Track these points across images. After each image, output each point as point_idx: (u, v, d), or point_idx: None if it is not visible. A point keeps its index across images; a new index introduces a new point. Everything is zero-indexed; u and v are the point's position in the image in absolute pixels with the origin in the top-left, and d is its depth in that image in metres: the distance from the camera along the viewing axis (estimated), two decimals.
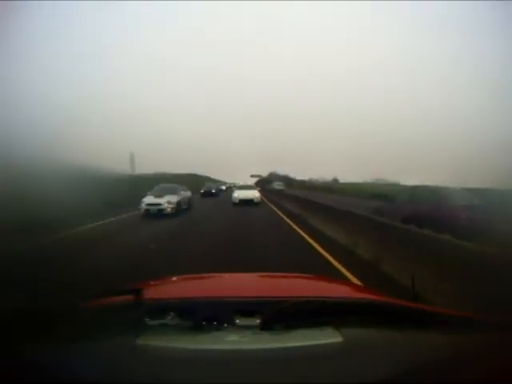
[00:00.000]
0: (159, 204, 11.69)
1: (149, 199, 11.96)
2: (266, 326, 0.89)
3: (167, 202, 11.82)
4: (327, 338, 0.85)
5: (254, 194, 18.76)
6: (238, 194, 18.41)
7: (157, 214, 11.45)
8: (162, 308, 1.03)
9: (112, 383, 0.63)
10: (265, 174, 57.28)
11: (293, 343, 0.82)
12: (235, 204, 17.38)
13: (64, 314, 0.91)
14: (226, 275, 1.76)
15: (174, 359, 0.75)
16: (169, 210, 11.70)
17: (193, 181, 39.37)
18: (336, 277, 4.03)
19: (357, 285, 3.46)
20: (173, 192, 12.74)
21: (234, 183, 46.16)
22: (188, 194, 14.79)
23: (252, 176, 53.89)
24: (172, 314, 0.97)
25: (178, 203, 12.41)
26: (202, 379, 0.66)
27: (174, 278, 1.70)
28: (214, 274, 1.78)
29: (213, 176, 64.71)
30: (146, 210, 11.67)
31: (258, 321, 0.90)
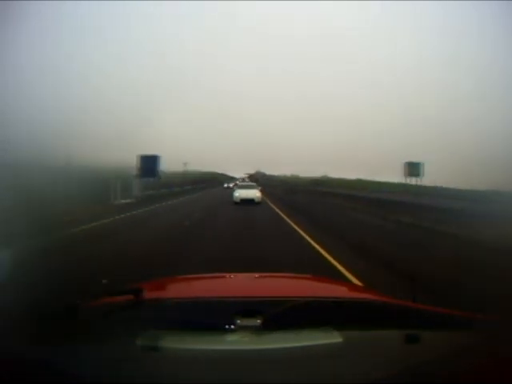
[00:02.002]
0: (229, 185, 47.96)
1: (225, 184, 54.63)
2: (266, 327, 0.89)
3: (231, 184, 47.29)
4: (327, 338, 0.85)
5: (255, 193, 18.24)
6: (240, 194, 18.02)
7: (228, 188, 41.77)
8: (162, 308, 1.03)
9: (112, 383, 0.63)
10: (252, 171, 79.26)
11: (293, 343, 0.82)
12: (236, 203, 17.19)
13: (64, 313, 0.91)
14: (227, 275, 1.76)
15: (174, 359, 0.75)
16: (231, 187, 37.64)
17: (214, 176, 64.64)
18: (336, 277, 4.04)
19: (357, 285, 3.46)
20: (231, 181, 59.74)
21: (242, 178, 64.74)
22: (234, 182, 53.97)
23: (245, 174, 75.74)
24: (172, 313, 0.97)
25: (234, 185, 38.61)
26: (203, 379, 0.66)
27: (174, 278, 1.70)
28: (214, 274, 1.78)
29: (223, 172, 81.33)
30: (226, 188, 45.70)
31: (258, 321, 0.90)
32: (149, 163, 23.80)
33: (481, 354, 0.74)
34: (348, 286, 2.13)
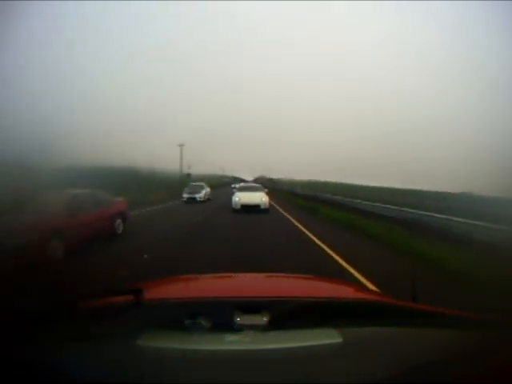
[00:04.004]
0: (235, 185, 22.99)
1: (232, 184, 29.80)
2: (267, 327, 0.89)
3: (237, 185, 24.85)
4: (327, 338, 0.85)
5: (261, 197, 13.61)
6: (240, 198, 13.46)
7: (234, 188, 26.97)
8: (161, 308, 1.03)
9: (112, 383, 0.63)
10: (257, 175, 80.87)
11: (293, 343, 0.82)
12: (235, 210, 12.99)
13: (64, 314, 0.91)
14: (227, 275, 1.76)
15: (174, 359, 0.75)
16: (237, 187, 22.10)
17: (223, 178, 68.83)
18: (337, 277, 4.04)
19: (357, 285, 3.46)
20: (235, 182, 36.54)
21: (252, 179, 65.68)
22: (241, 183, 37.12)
23: (253, 177, 75.86)
24: (172, 314, 0.97)
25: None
26: (202, 379, 0.66)
27: (174, 278, 1.70)
28: (214, 274, 1.78)
29: (233, 175, 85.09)
30: (233, 187, 23.23)
31: (258, 321, 0.90)
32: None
33: (481, 353, 0.74)
34: (349, 286, 2.13)
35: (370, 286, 4.16)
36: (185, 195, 18.84)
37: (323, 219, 11.63)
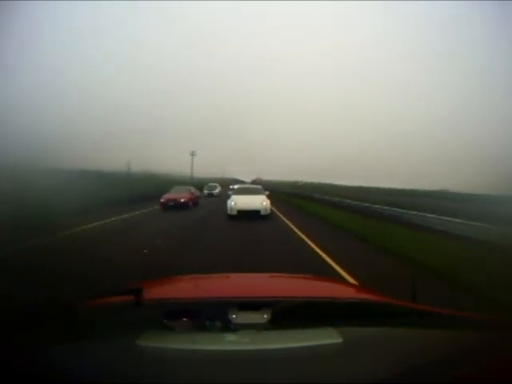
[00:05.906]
0: (233, 187, 27.45)
1: (230, 185, 32.44)
2: (267, 327, 0.89)
3: (235, 186, 29.14)
4: (327, 338, 0.85)
5: (261, 201, 11.40)
6: (236, 202, 11.24)
7: (232, 189, 31.27)
8: (161, 308, 1.03)
9: (112, 383, 0.63)
10: (252, 177, 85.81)
11: (293, 343, 0.82)
12: (231, 217, 10.89)
13: (63, 314, 0.90)
14: (227, 275, 1.76)
15: (174, 359, 0.75)
16: (235, 188, 27.00)
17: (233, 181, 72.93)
18: (337, 277, 4.06)
19: (357, 285, 3.46)
20: (233, 183, 37.24)
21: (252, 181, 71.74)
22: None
23: (250, 179, 79.56)
24: (172, 314, 0.97)
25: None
26: (202, 379, 0.66)
27: (174, 278, 1.70)
28: (214, 275, 1.78)
29: (235, 177, 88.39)
30: (231, 188, 27.67)
31: (258, 321, 0.90)
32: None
33: (481, 353, 0.74)
34: (349, 287, 2.13)
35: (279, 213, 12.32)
36: (205, 191, 27.98)
37: (286, 202, 20.61)
